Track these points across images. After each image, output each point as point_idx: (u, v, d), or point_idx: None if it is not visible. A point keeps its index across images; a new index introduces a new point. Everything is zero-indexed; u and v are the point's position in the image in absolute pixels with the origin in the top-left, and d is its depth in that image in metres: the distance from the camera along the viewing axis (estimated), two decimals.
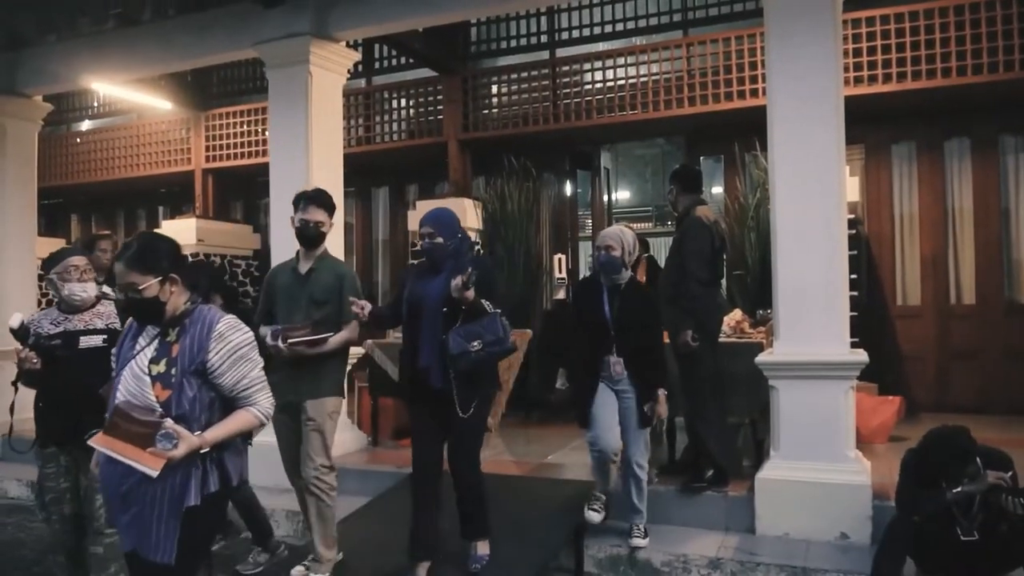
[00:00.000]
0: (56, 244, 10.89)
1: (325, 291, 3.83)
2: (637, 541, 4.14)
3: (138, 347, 2.48)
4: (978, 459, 3.30)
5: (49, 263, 3.72)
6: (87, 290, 3.72)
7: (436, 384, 3.49)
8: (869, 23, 6.56)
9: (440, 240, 3.58)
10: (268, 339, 3.65)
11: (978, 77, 6.28)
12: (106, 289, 5.47)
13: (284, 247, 5.73)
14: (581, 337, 4.12)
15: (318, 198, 3.92)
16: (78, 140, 10.55)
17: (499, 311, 3.56)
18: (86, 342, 3.65)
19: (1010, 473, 3.28)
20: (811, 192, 4.31)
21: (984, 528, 3.26)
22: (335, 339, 3.80)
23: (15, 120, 7.43)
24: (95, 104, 10.79)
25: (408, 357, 3.65)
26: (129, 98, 9.14)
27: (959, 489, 3.25)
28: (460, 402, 3.51)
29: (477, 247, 7.33)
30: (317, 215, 3.87)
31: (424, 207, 8.10)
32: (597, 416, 3.98)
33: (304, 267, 3.90)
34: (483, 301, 3.48)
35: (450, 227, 3.63)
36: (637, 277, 7.73)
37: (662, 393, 3.96)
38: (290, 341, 3.67)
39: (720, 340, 4.84)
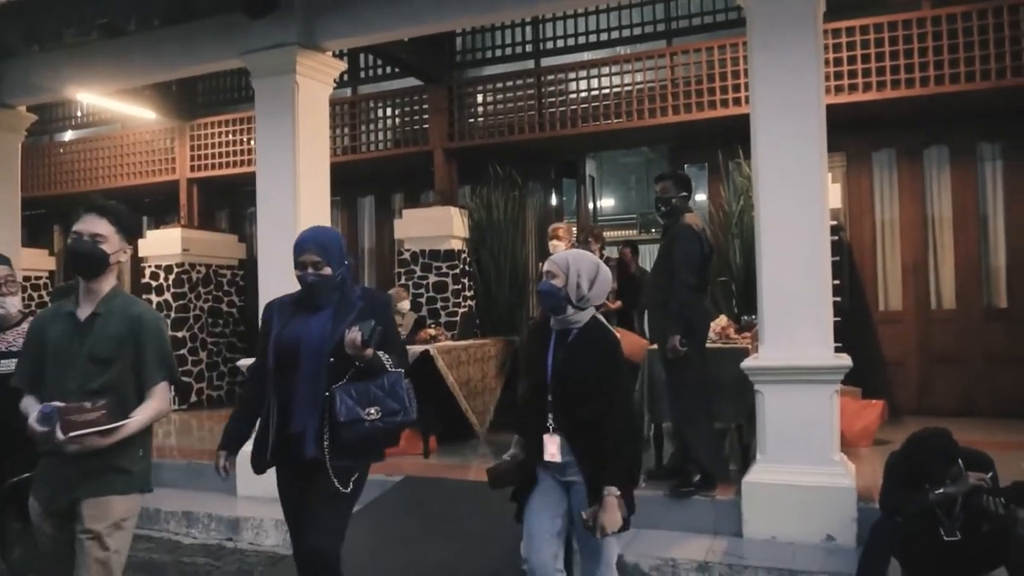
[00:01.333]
0: (39, 255, 10.86)
1: (113, 345, 2.63)
2: None
3: None
4: (960, 460, 3.35)
5: None
6: (5, 305, 3.30)
7: (309, 452, 2.69)
8: (850, 33, 6.67)
9: (328, 271, 2.78)
10: (37, 424, 2.48)
11: (956, 86, 6.40)
12: None
13: (271, 256, 5.74)
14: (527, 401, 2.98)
15: (104, 208, 2.73)
16: (61, 150, 10.50)
17: (401, 370, 2.77)
18: (5, 367, 3.08)
19: (990, 474, 3.34)
20: (794, 199, 4.36)
21: (966, 529, 3.31)
22: (137, 421, 2.62)
23: None
24: (79, 114, 10.75)
25: (277, 417, 2.75)
26: (113, 108, 9.11)
27: (941, 491, 3.30)
28: (338, 474, 2.71)
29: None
30: (97, 226, 2.67)
31: (410, 215, 8.18)
32: (529, 526, 2.87)
33: (85, 311, 2.67)
34: (382, 355, 2.71)
35: (338, 253, 2.82)
36: (628, 267, 7.45)
37: (612, 495, 2.63)
38: (72, 434, 2.46)
39: (707, 346, 4.88)
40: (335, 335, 2.71)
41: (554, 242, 6.17)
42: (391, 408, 2.68)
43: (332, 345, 2.71)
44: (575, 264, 2.83)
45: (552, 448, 2.79)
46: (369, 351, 2.64)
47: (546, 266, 2.91)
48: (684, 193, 4.77)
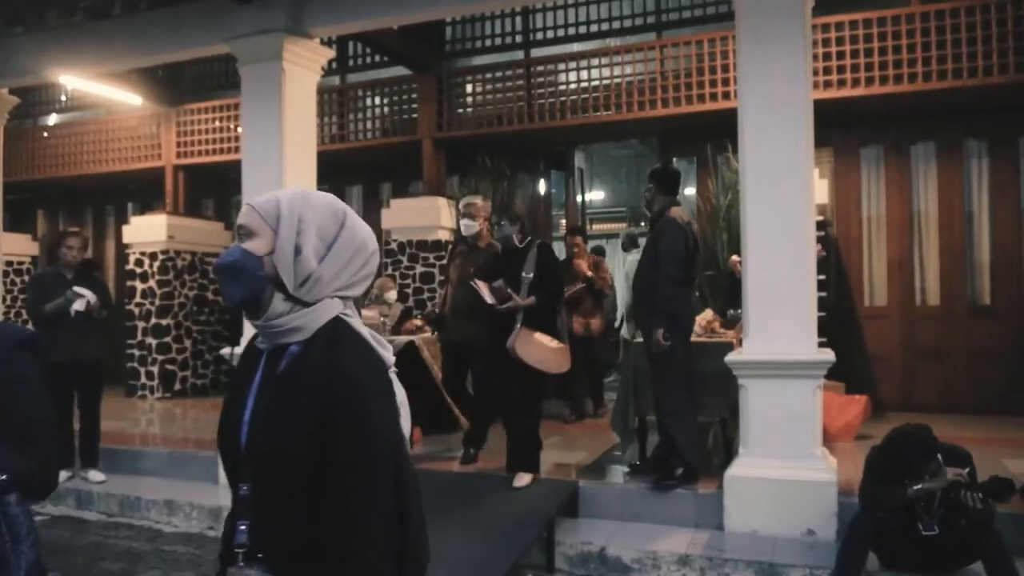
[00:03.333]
0: (22, 240, 10.77)
1: None
2: None
3: None
4: (939, 456, 3.38)
5: None
6: None
7: None
8: (839, 28, 6.67)
9: None
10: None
11: (943, 83, 6.41)
12: (78, 289, 5.42)
13: None
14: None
15: None
16: (45, 134, 10.38)
17: (4, 477, 1.44)
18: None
19: (968, 469, 3.37)
20: (781, 194, 4.37)
21: (944, 523, 3.34)
22: None
23: None
24: (63, 98, 10.63)
25: None
26: (98, 92, 9.01)
27: (920, 486, 3.33)
28: None
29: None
30: None
31: (398, 206, 8.16)
32: None
33: None
34: None
35: None
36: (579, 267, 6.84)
37: None
38: None
39: (692, 340, 4.89)
40: None
41: (466, 221, 5.24)
42: None
43: None
44: (296, 209, 1.37)
45: None
46: None
47: (243, 216, 1.39)
48: (651, 186, 4.79)
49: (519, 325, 4.64)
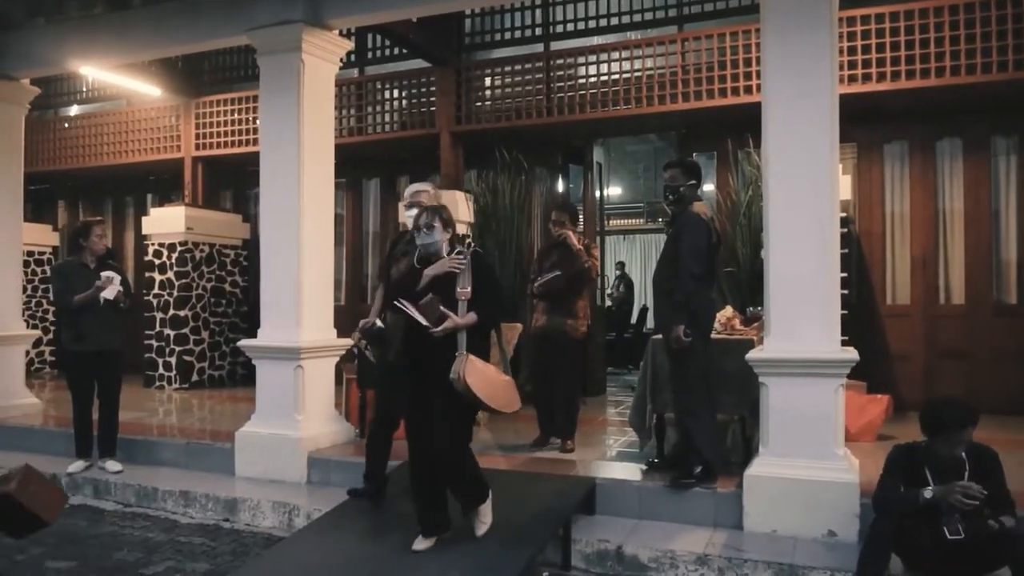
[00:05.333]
0: (43, 230, 10.86)
1: None
2: None
3: None
4: (970, 427, 3.36)
5: None
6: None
7: None
8: (864, 21, 6.56)
9: None
10: None
11: (971, 77, 6.29)
12: (107, 273, 5.48)
13: (273, 237, 5.71)
14: None
15: None
16: (66, 125, 10.45)
17: None
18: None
19: (981, 488, 3.28)
20: (804, 190, 4.29)
21: (970, 527, 3.27)
22: None
23: (1, 103, 7.32)
24: (84, 89, 10.70)
25: None
26: (118, 83, 9.05)
27: (931, 496, 3.29)
28: None
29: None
30: None
31: None
32: None
33: None
34: None
35: None
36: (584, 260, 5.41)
37: None
38: None
39: (712, 337, 4.82)
40: None
41: (414, 212, 4.36)
42: None
43: None
44: None
45: None
46: None
47: None
48: (693, 181, 4.68)
49: (463, 351, 3.74)
